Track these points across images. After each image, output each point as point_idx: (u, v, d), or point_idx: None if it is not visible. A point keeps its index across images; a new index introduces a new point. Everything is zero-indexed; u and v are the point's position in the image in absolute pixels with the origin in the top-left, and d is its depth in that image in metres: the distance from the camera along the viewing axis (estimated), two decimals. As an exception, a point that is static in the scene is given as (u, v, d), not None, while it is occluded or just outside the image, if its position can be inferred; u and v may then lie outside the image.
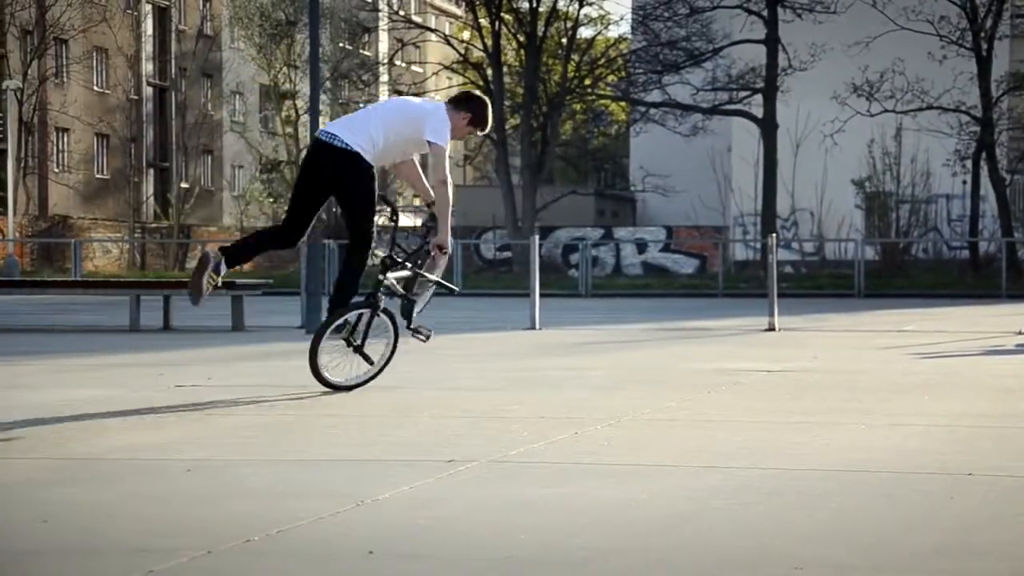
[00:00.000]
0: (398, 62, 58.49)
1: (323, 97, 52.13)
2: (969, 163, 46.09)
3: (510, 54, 52.22)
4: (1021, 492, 5.88)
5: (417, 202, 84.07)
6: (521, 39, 49.87)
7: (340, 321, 9.54)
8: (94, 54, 61.84)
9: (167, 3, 66.81)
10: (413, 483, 5.91)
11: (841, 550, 4.70)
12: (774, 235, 19.39)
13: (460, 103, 9.59)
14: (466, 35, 56.73)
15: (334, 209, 53.60)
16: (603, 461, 6.63)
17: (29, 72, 55.36)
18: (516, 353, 14.09)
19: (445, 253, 9.54)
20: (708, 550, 4.72)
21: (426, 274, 9.70)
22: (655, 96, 49.66)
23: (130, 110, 63.65)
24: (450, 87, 58.88)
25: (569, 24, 51.06)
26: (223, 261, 9.30)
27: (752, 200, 51.20)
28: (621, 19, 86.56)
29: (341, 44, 63.75)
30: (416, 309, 9.69)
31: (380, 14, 56.65)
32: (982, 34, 45.04)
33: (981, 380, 10.83)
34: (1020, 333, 16.93)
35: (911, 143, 48.87)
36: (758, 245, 45.34)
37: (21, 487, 5.97)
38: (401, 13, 55.97)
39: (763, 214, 46.99)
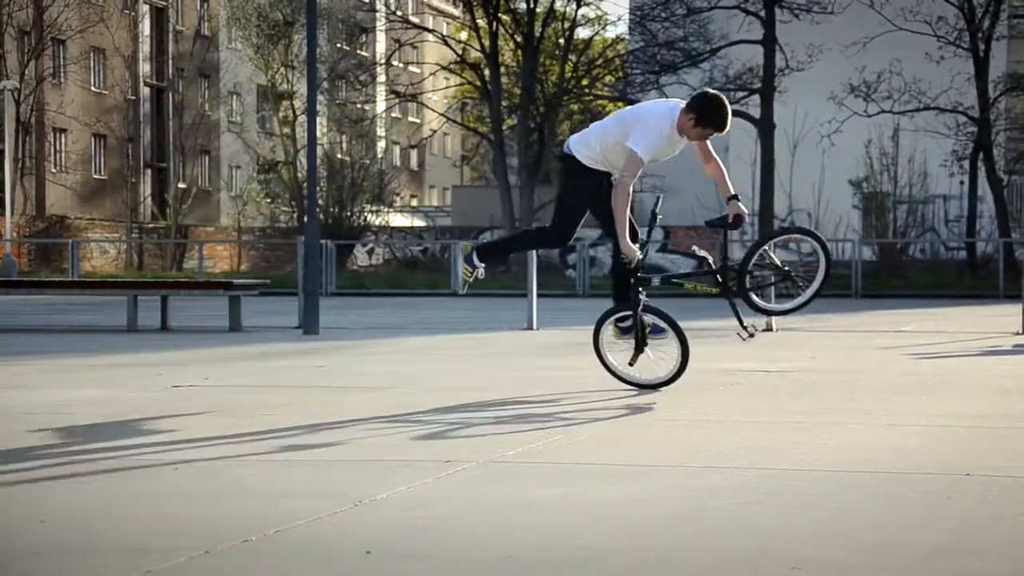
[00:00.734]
0: (395, 62, 58.40)
1: (320, 98, 52.12)
2: (966, 164, 46.09)
3: (507, 54, 52.19)
4: (1019, 492, 5.88)
5: (415, 203, 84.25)
6: (518, 39, 49.84)
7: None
8: (91, 54, 61.79)
9: (164, 3, 66.78)
10: (411, 483, 5.90)
11: (840, 550, 4.70)
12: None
13: (688, 105, 9.46)
14: (463, 35, 56.65)
15: (331, 208, 53.78)
16: (602, 461, 6.62)
17: (26, 72, 55.28)
18: (513, 353, 14.08)
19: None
20: (707, 550, 4.72)
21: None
22: (652, 96, 49.65)
23: (127, 110, 63.60)
24: (447, 88, 58.94)
25: (566, 24, 51.02)
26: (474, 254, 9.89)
27: (749, 200, 51.13)
28: (619, 19, 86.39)
29: (338, 44, 63.71)
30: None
31: (377, 14, 56.63)
32: (979, 35, 45.04)
33: (979, 380, 10.83)
34: (1018, 334, 16.93)
35: (908, 144, 48.82)
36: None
37: (20, 487, 5.96)
38: (398, 13, 55.85)
39: (760, 214, 46.99)
